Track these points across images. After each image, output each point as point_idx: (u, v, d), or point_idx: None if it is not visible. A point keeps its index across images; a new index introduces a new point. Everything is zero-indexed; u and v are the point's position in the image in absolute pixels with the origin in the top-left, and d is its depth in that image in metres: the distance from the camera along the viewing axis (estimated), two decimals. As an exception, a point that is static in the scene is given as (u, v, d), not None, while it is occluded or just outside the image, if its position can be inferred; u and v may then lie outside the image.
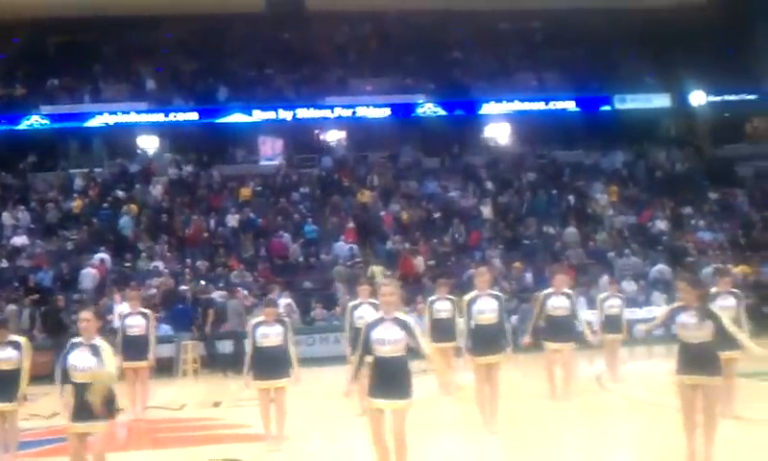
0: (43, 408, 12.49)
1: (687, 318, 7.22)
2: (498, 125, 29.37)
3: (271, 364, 8.81)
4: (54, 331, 17.92)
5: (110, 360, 6.85)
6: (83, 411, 6.74)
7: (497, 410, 9.19)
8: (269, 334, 8.89)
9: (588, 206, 25.43)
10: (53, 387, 15.41)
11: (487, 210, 24.76)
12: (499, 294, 9.48)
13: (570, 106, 28.67)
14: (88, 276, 20.77)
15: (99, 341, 6.95)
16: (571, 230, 23.45)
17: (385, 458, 6.85)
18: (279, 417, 9.03)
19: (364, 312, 10.04)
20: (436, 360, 10.80)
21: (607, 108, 28.69)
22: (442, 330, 11.31)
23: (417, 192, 25.93)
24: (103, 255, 21.68)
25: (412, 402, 6.86)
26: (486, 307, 9.13)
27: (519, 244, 23.40)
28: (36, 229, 23.61)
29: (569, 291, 11.33)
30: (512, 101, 28.58)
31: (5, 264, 21.83)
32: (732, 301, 9.26)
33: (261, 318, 9.10)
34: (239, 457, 8.73)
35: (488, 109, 28.73)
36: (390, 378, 6.78)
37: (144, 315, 11.58)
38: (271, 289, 17.77)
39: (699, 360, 7.15)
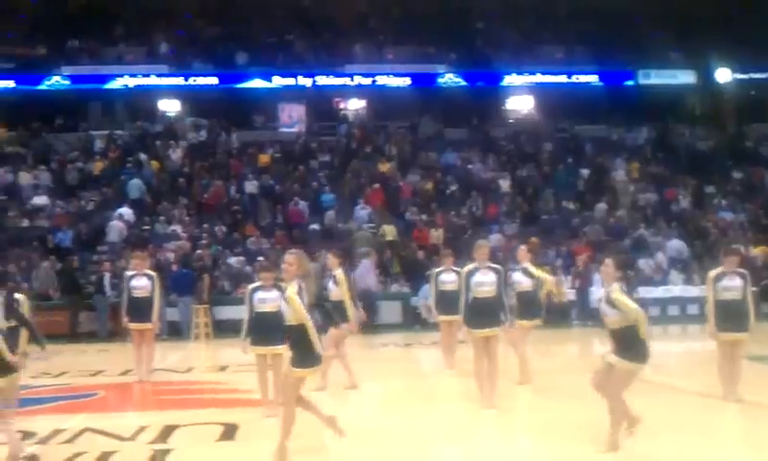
0: (53, 366, 12.68)
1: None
2: (520, 97, 29.14)
3: (268, 330, 8.80)
4: (70, 291, 18.21)
5: None
6: None
7: (496, 385, 9.17)
8: (266, 299, 8.89)
9: (607, 181, 25.18)
10: (66, 346, 15.76)
11: (505, 184, 24.62)
12: (498, 267, 9.38)
13: (593, 80, 28.36)
14: (115, 229, 21.02)
15: None
16: (601, 206, 23.28)
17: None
18: (276, 383, 9.07)
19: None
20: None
21: (630, 83, 28.31)
22: (447, 302, 11.27)
23: (435, 163, 25.82)
24: (125, 210, 21.92)
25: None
26: (485, 280, 9.06)
27: (537, 219, 23.26)
28: (56, 189, 23.82)
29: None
30: (534, 73, 28.33)
31: (25, 223, 22.07)
32: (738, 281, 9.14)
33: (259, 283, 9.10)
34: (236, 421, 8.78)
35: (510, 80, 28.51)
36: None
37: (149, 277, 11.64)
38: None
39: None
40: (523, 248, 11.18)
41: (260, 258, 18.96)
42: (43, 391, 11.00)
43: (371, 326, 17.67)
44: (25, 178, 24.01)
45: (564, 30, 29.80)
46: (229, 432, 8.41)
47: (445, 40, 29.22)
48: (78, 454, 7.50)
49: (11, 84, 27.62)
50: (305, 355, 6.98)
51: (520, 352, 10.49)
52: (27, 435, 8.39)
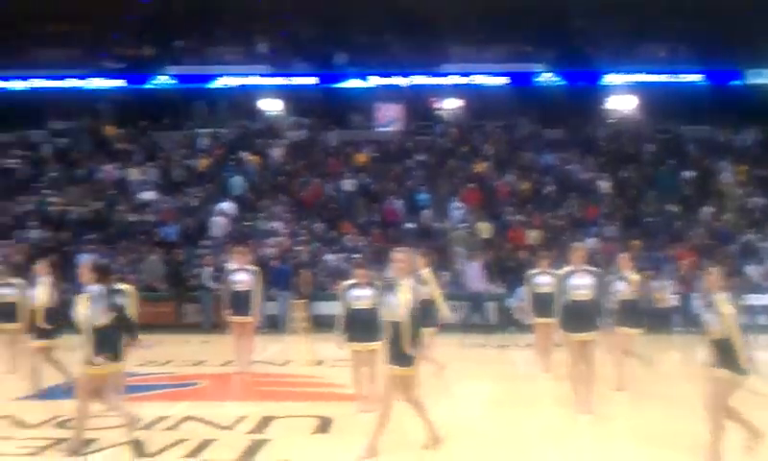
0: (158, 355, 13.21)
1: None
2: (620, 97, 28.48)
3: (363, 327, 8.95)
4: (175, 283, 18.89)
5: None
6: None
7: (593, 390, 9.05)
8: (361, 297, 9.03)
9: (713, 184, 24.35)
10: (171, 336, 16.37)
11: (605, 185, 24.10)
12: (596, 270, 9.27)
13: (698, 79, 27.46)
14: (218, 224, 21.72)
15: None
16: (707, 210, 22.57)
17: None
18: (371, 379, 9.21)
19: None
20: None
21: (738, 82, 27.27)
22: (542, 305, 11.17)
23: (533, 163, 25.54)
24: (228, 205, 22.60)
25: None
26: (581, 283, 8.98)
27: (639, 222, 22.70)
28: (162, 185, 24.73)
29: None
30: (636, 72, 27.63)
31: (133, 218, 23.00)
32: None
33: (354, 280, 9.25)
34: (331, 414, 8.95)
35: (610, 79, 27.94)
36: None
37: (250, 271, 11.96)
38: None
39: None
40: (625, 255, 11.01)
41: (356, 256, 19.30)
42: (149, 379, 11.48)
43: (473, 326, 17.64)
44: (133, 174, 25.04)
45: (668, 27, 28.94)
46: (324, 425, 8.61)
47: (544, 39, 28.86)
48: (180, 441, 7.81)
49: (120, 83, 28.85)
50: (403, 353, 7.07)
51: (619, 357, 10.33)
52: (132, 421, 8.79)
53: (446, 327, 11.70)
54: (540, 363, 11.73)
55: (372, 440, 7.21)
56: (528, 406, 9.77)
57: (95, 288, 7.54)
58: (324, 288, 18.58)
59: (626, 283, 10.44)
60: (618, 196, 23.66)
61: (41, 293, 10.33)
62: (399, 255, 7.34)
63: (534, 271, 11.72)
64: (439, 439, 7.41)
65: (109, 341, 7.49)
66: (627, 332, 10.35)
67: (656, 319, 15.36)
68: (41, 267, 10.69)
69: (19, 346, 12.17)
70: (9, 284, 12.05)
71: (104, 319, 7.49)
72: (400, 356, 7.15)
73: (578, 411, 8.94)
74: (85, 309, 7.49)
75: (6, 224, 22.69)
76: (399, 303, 7.09)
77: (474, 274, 18.17)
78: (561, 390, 9.79)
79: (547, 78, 28.03)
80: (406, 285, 7.12)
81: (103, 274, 7.72)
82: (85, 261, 8.00)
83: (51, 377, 11.13)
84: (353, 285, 9.21)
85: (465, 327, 17.44)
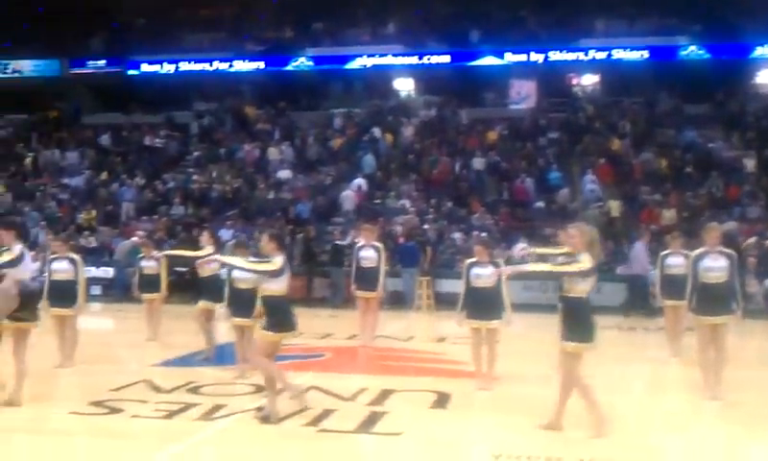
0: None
1: None
2: (772, 70, 26.81)
3: (483, 305, 8.96)
4: (306, 259, 19.47)
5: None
6: None
7: (722, 376, 8.67)
8: (482, 275, 9.03)
9: None
10: (301, 309, 16.88)
11: (751, 163, 22.84)
12: (731, 252, 8.84)
13: None
14: (348, 198, 22.22)
15: None
16: None
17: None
18: (490, 357, 9.20)
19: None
20: None
21: None
22: (673, 286, 10.77)
23: (673, 141, 24.50)
24: (361, 181, 23.03)
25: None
26: (714, 265, 8.60)
27: (786, 202, 21.40)
28: (298, 164, 25.47)
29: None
30: (790, 44, 25.91)
31: (271, 196, 23.83)
32: None
33: (475, 258, 9.25)
34: (450, 390, 9.01)
35: (762, 52, 26.28)
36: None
37: (375, 249, 12.20)
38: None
39: None
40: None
41: (479, 234, 19.21)
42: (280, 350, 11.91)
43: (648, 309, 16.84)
44: (272, 153, 25.92)
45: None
46: (442, 401, 8.68)
47: (688, 10, 27.51)
48: (302, 410, 8.08)
49: (260, 65, 29.83)
50: (580, 329, 7.03)
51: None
52: (259, 389, 9.17)
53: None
54: (670, 347, 11.33)
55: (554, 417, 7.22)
56: (653, 391, 9.48)
57: (279, 258, 7.73)
58: (451, 266, 18.63)
59: None
60: (764, 175, 22.35)
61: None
62: (571, 231, 7.24)
63: (666, 252, 11.33)
64: (603, 422, 7.21)
65: (281, 310, 7.77)
66: None
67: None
68: (206, 237, 11.25)
69: (159, 315, 12.99)
70: (152, 258, 12.89)
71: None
72: (576, 332, 7.09)
73: (705, 397, 8.60)
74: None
75: (152, 200, 24.07)
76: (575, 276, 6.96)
77: (638, 254, 17.04)
78: (689, 375, 9.43)
79: (691, 51, 26.73)
80: (586, 259, 7.00)
81: (281, 244, 7.98)
82: (265, 234, 8.26)
83: (186, 345, 11.82)
84: (475, 263, 9.21)
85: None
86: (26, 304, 8.15)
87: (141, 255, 13.34)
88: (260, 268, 7.84)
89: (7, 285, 7.96)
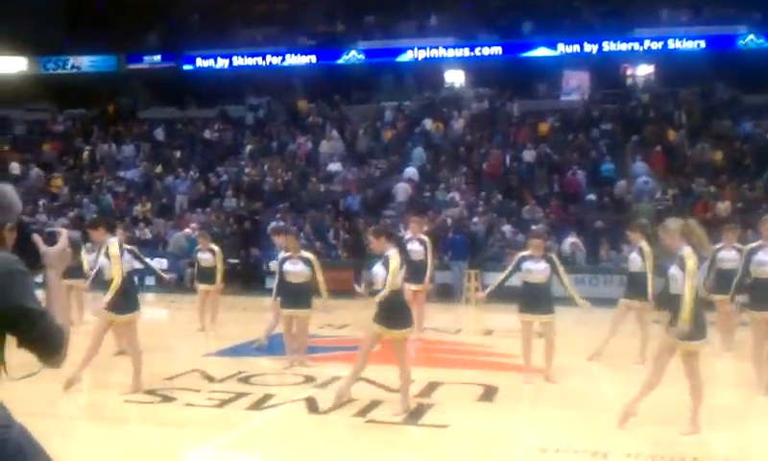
0: (336, 319, 13.81)
1: None
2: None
3: (536, 299, 8.93)
4: (355, 251, 19.59)
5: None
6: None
7: (775, 370, 8.53)
8: (533, 270, 9.00)
9: None
10: (350, 301, 16.98)
11: (810, 155, 22.24)
12: (789, 245, 8.67)
13: None
14: (402, 189, 22.32)
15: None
16: None
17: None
18: (547, 351, 9.16)
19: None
20: None
21: None
22: (726, 281, 10.58)
23: (730, 132, 23.97)
24: (413, 171, 23.08)
25: None
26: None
27: None
28: (348, 156, 25.61)
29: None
30: None
31: (322, 188, 24.02)
32: None
33: (528, 252, 9.20)
34: (497, 383, 9.02)
35: (822, 40, 25.56)
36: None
37: (421, 242, 12.23)
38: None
39: None
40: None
41: (538, 227, 19.08)
42: (327, 341, 12.07)
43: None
44: (323, 146, 26.11)
45: None
46: (489, 394, 8.70)
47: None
48: (350, 401, 8.17)
49: (312, 59, 30.04)
50: (695, 327, 6.76)
51: None
52: (308, 379, 9.33)
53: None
54: (722, 341, 11.14)
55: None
56: (706, 385, 9.33)
57: (392, 251, 7.68)
58: (499, 259, 18.57)
59: None
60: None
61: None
62: (671, 226, 6.99)
63: (718, 245, 11.13)
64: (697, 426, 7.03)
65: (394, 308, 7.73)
66: None
67: None
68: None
69: (216, 305, 13.21)
70: (209, 250, 13.10)
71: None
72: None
73: (759, 392, 8.47)
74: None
75: (205, 193, 24.47)
76: (684, 275, 6.69)
77: None
78: (742, 370, 9.29)
79: (750, 40, 26.09)
80: (688, 254, 6.73)
81: (393, 238, 7.99)
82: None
83: (239, 336, 12.04)
84: (527, 257, 9.15)
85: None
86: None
87: (198, 247, 13.57)
88: (394, 268, 7.59)
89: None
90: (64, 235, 2.98)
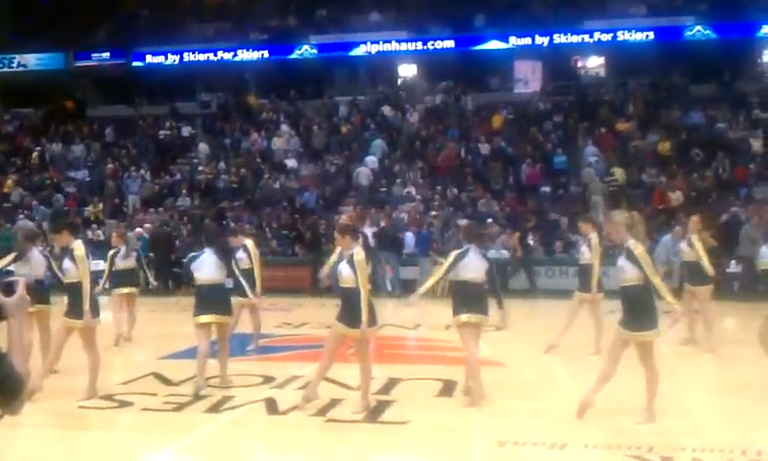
0: (295, 318, 13.76)
1: None
2: (778, 49, 26.62)
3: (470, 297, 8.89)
4: (312, 248, 19.52)
5: None
6: None
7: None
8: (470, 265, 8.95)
9: None
10: (307, 300, 16.88)
11: (757, 144, 22.74)
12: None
13: None
14: (363, 174, 22.41)
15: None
16: None
17: None
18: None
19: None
20: None
21: None
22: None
23: (679, 122, 24.41)
24: (373, 159, 23.19)
25: None
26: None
27: (792, 182, 21.32)
28: (303, 152, 25.48)
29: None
30: (796, 22, 25.68)
31: (277, 185, 23.85)
32: None
33: (465, 247, 9.13)
34: (456, 378, 9.04)
35: (767, 31, 26.10)
36: None
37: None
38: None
39: None
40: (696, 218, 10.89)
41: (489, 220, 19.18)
42: (284, 340, 12.00)
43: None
44: (277, 142, 25.92)
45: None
46: (448, 389, 8.73)
47: (695, -10, 27.36)
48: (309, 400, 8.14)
49: (264, 54, 29.77)
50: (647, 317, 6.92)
51: None
52: (267, 380, 9.27)
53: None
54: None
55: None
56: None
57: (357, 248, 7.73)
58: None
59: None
60: (772, 156, 22.28)
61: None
62: (617, 219, 7.17)
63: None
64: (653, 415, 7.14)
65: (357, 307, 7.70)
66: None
67: None
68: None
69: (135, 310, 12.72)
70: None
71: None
72: (636, 320, 6.95)
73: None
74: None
75: (158, 192, 24.14)
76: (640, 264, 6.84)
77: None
78: (699, 359, 9.45)
79: (697, 31, 26.55)
80: (635, 245, 6.85)
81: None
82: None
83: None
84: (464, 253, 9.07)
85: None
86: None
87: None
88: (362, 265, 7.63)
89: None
90: (21, 284, 3.01)
